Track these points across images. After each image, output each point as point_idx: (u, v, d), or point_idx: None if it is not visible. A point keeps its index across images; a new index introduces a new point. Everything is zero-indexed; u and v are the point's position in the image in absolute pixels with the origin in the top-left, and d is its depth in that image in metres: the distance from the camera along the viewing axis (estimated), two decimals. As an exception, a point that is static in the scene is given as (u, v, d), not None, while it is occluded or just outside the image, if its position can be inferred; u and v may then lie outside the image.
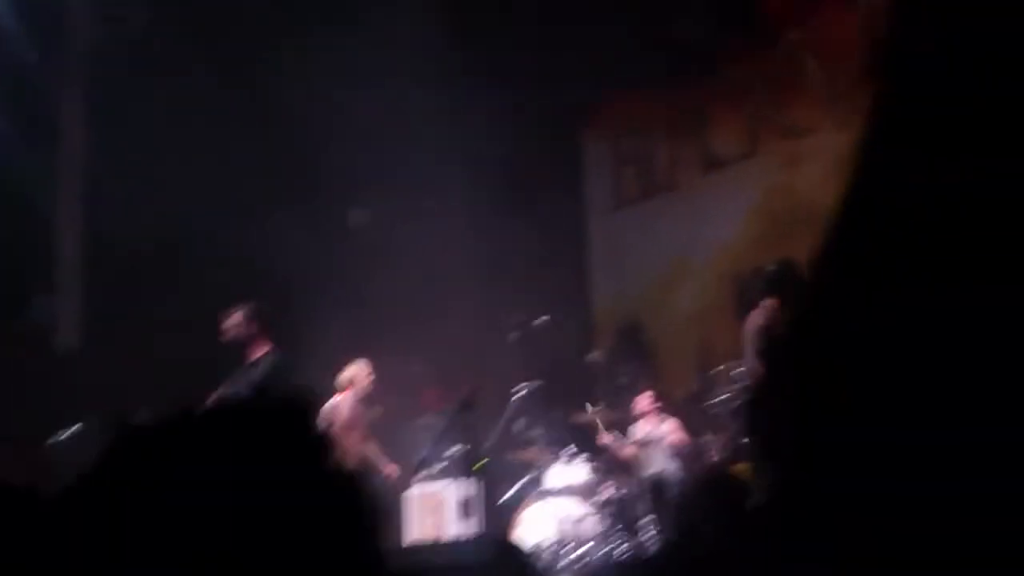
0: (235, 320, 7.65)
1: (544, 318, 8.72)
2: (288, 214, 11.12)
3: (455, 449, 9.44)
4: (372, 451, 9.33)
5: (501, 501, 9.95)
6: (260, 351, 7.58)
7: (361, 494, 1.19)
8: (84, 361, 10.91)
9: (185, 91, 10.62)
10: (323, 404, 8.96)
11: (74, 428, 9.11)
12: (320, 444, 1.20)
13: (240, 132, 10.80)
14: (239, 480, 1.11)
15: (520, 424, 9.94)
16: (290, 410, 1.20)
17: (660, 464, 9.36)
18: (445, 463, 9.68)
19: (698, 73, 11.97)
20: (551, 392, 9.71)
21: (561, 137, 13.38)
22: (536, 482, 9.61)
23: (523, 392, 9.52)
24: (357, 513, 1.17)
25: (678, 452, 9.40)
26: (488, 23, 11.39)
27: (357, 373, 9.46)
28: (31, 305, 11.31)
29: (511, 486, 9.98)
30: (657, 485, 9.09)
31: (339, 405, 9.16)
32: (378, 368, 11.24)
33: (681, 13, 11.51)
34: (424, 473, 9.34)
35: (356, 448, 8.97)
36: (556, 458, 9.63)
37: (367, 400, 9.45)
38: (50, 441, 9.11)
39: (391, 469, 9.35)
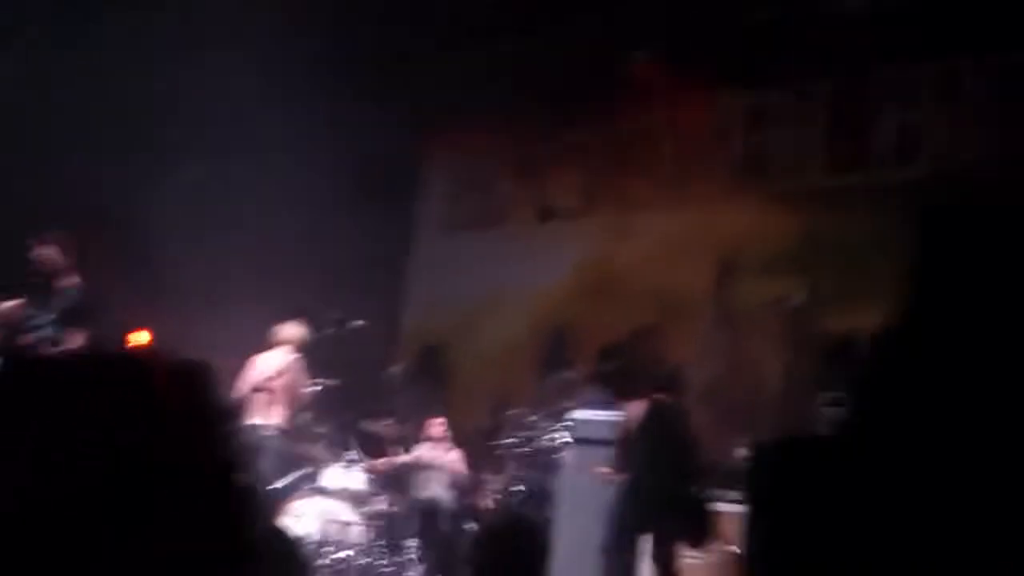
0: (48, 245, 7.40)
1: (359, 322, 8.75)
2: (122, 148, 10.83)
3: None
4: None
5: (273, 487, 9.88)
6: (68, 281, 7.34)
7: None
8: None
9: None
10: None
11: None
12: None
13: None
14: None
15: (308, 418, 9.91)
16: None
17: (435, 490, 9.51)
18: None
19: (550, 122, 12.27)
20: (346, 395, 9.74)
21: (406, 150, 13.38)
22: (311, 478, 9.60)
23: (318, 388, 9.51)
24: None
25: (455, 483, 9.58)
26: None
27: (297, 333, 9.34)
28: None
29: (285, 475, 9.93)
30: (428, 510, 9.26)
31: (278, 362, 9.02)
32: (165, 331, 11.01)
33: (550, 63, 11.72)
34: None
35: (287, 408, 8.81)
36: (336, 459, 9.65)
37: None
38: None
39: None
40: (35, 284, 7.36)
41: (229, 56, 10.06)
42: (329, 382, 9.54)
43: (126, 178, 10.91)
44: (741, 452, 7.86)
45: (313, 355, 9.55)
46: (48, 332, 7.15)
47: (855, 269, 9.56)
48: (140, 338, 12.01)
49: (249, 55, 10.05)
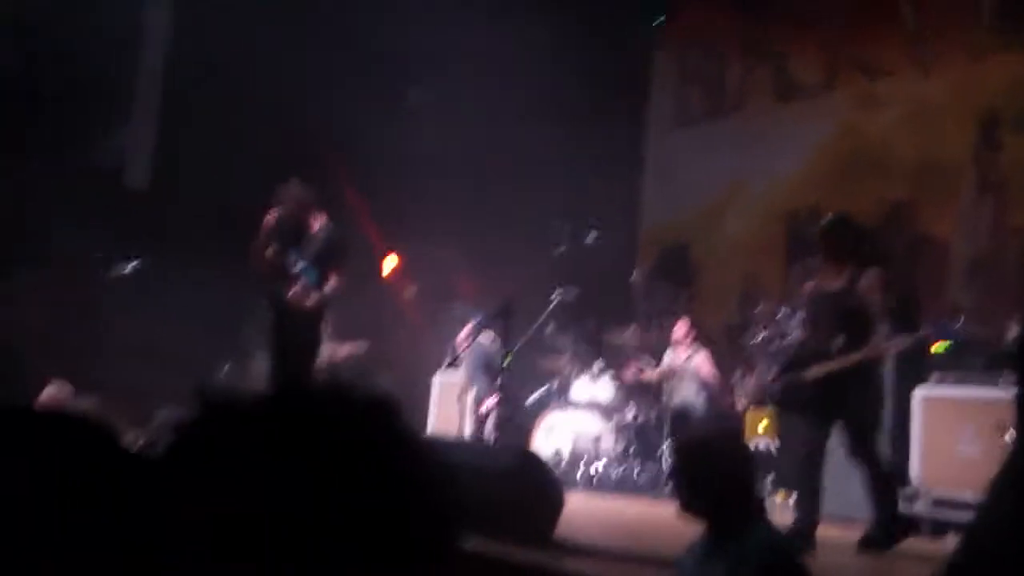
0: (294, 189, 7.58)
1: (593, 234, 8.59)
2: (351, 86, 11.04)
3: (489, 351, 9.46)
4: None
5: (526, 403, 10.01)
6: (317, 222, 7.53)
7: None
8: (149, 200, 11.08)
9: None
10: None
11: (133, 263, 9.30)
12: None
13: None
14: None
15: (551, 330, 9.91)
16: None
17: (685, 395, 9.29)
18: (475, 360, 9.69)
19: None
20: (587, 304, 9.61)
21: (628, 48, 13.01)
22: (560, 391, 9.63)
23: (559, 298, 9.43)
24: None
25: (706, 386, 9.32)
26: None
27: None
28: (104, 143, 11.42)
29: (534, 389, 10.03)
30: (679, 415, 9.07)
31: None
32: (417, 250, 11.28)
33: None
34: (449, 363, 9.34)
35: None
36: (583, 371, 9.62)
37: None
38: (110, 272, 9.29)
39: None
40: (287, 229, 7.56)
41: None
42: (569, 291, 9.45)
43: (359, 113, 11.17)
44: (1013, 330, 7.19)
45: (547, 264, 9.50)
46: (307, 276, 7.37)
47: None
48: (390, 262, 12.45)
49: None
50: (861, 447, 5.69)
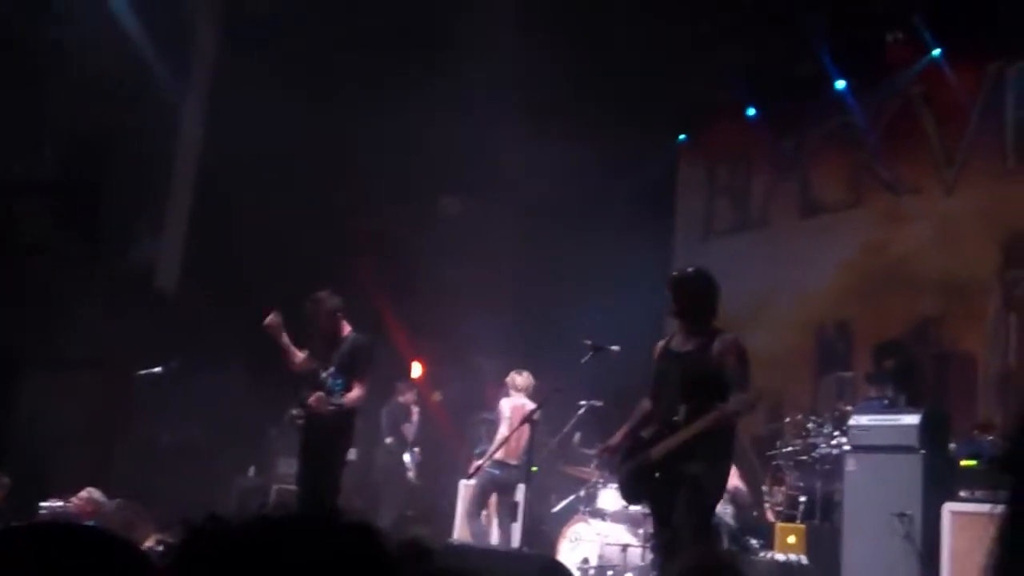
0: (325, 298, 7.72)
1: (616, 347, 8.70)
2: (383, 192, 11.30)
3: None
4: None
5: (552, 511, 9.96)
6: (344, 331, 7.65)
7: None
8: (180, 303, 11.26)
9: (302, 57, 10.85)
10: None
11: (164, 364, 9.46)
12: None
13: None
14: None
15: (578, 439, 9.92)
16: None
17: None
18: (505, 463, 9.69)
19: (809, 111, 11.80)
20: (614, 415, 9.64)
21: (657, 160, 13.26)
22: (586, 500, 9.58)
23: (585, 408, 9.46)
24: None
25: (734, 498, 9.24)
26: (594, 42, 11.23)
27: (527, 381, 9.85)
28: (137, 244, 11.67)
29: (561, 498, 9.99)
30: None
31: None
32: (448, 357, 11.37)
33: (801, 50, 11.29)
34: (479, 466, 9.33)
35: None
36: (609, 481, 9.57)
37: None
38: (140, 373, 9.44)
39: None
40: (318, 337, 7.70)
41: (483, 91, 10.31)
42: (595, 403, 9.49)
43: (389, 219, 11.40)
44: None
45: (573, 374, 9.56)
46: (332, 384, 7.48)
47: None
48: (415, 370, 12.54)
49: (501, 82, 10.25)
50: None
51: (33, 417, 9.61)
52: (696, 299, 5.52)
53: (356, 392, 7.47)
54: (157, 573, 1.25)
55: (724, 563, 3.19)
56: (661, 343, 5.69)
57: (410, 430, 11.78)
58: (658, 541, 5.43)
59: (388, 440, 11.62)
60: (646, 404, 5.82)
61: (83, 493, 7.69)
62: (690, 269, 5.82)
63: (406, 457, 11.65)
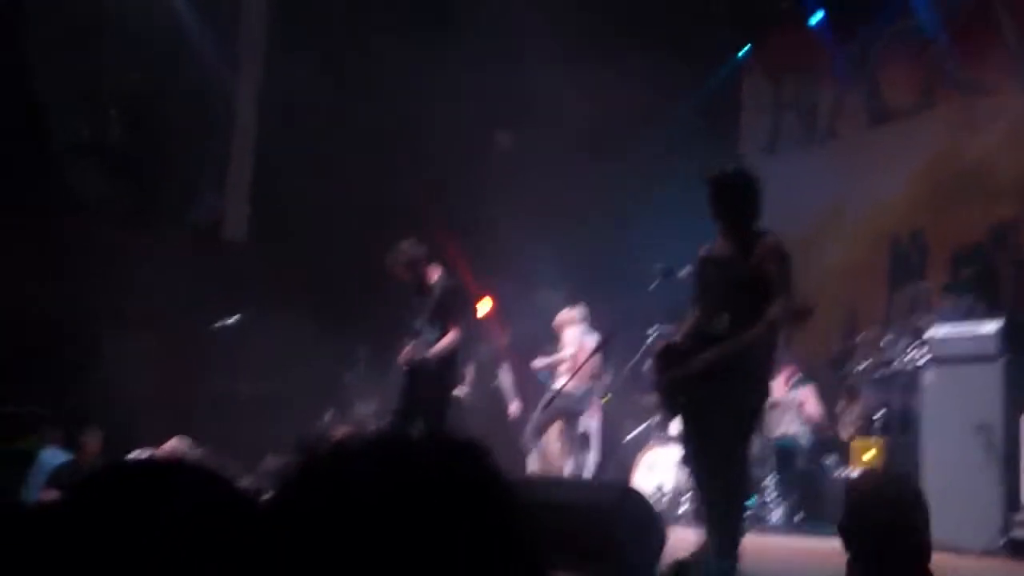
0: (408, 248, 7.66)
1: (688, 268, 8.54)
2: (437, 132, 11.24)
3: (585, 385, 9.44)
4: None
5: (624, 439, 9.94)
6: (433, 275, 7.60)
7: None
8: (247, 255, 11.40)
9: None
10: None
11: (234, 318, 9.61)
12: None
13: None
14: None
15: (649, 367, 9.82)
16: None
17: (789, 428, 9.11)
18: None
19: (875, 13, 11.35)
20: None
21: (721, 75, 12.94)
22: (659, 426, 9.53)
23: (655, 335, 9.34)
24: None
25: (808, 419, 9.13)
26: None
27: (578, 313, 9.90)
28: (201, 201, 11.82)
29: (634, 426, 9.95)
30: (783, 449, 8.89)
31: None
32: (511, 292, 11.34)
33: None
34: (549, 400, 9.33)
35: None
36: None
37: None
38: (213, 327, 9.60)
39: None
40: (408, 287, 7.68)
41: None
42: (665, 328, 9.36)
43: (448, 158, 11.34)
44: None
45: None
46: (424, 332, 7.48)
47: None
48: (484, 305, 12.50)
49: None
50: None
51: (114, 376, 9.81)
52: (736, 200, 5.19)
53: (450, 337, 7.44)
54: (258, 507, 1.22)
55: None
56: (703, 249, 5.40)
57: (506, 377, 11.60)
58: (689, 455, 5.30)
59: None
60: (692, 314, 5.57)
61: (170, 443, 7.84)
62: (730, 168, 5.50)
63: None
